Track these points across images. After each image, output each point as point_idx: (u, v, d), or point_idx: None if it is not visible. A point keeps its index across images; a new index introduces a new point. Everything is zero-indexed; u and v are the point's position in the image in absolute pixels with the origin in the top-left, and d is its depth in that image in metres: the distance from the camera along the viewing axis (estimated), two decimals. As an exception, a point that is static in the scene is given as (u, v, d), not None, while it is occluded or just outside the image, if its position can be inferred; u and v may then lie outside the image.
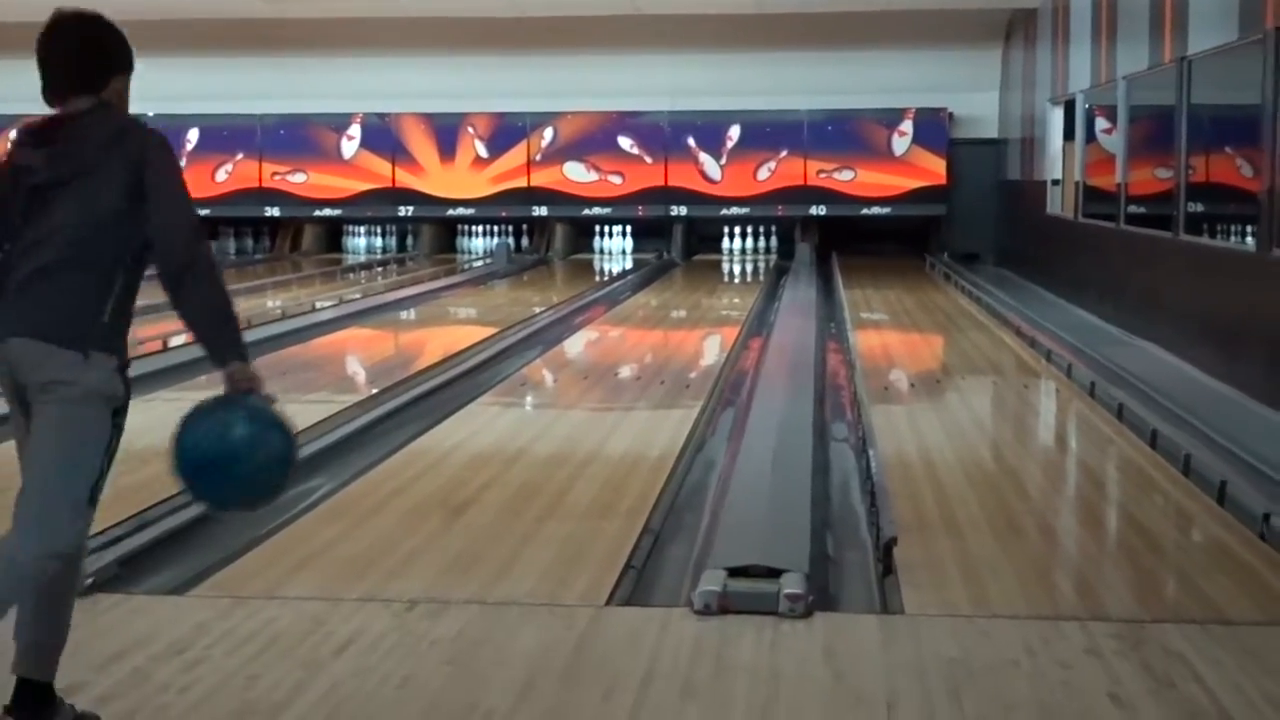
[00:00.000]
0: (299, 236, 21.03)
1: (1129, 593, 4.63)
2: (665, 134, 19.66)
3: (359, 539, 5.15)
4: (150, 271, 3.30)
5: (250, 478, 3.24)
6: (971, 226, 19.01)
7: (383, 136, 20.09)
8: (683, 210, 19.77)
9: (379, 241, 21.19)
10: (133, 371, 3.32)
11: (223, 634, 4.01)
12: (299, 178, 20.03)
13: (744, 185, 19.58)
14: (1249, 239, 8.59)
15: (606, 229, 20.50)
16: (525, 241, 20.76)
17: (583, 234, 20.60)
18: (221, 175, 19.77)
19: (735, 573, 4.36)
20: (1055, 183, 15.19)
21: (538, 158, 19.85)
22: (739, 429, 7.41)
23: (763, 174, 19.53)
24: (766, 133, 19.45)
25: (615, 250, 20.45)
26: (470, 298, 15.39)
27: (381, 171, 20.09)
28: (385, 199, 20.13)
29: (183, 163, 3.44)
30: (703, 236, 20.37)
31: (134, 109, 3.43)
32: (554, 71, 19.36)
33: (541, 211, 20.02)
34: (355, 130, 20.11)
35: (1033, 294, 14.37)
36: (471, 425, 7.50)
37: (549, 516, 5.48)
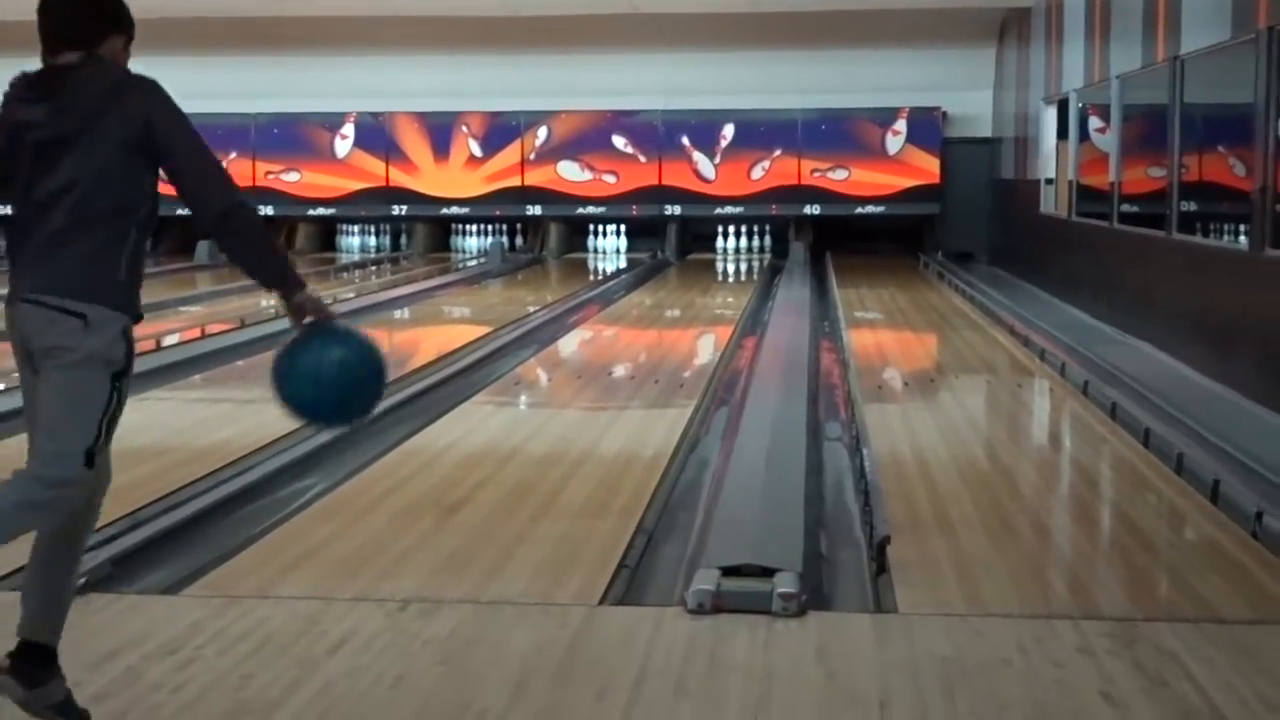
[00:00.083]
0: (293, 235, 21.00)
1: (1122, 591, 4.63)
2: (659, 133, 19.66)
3: (352, 538, 5.15)
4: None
5: (357, 390, 3.40)
6: (965, 225, 19.03)
7: (376, 135, 20.08)
8: (677, 209, 19.78)
9: (373, 240, 21.18)
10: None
11: (216, 633, 4.01)
12: (292, 177, 20.02)
13: (738, 184, 19.58)
14: (1242, 238, 8.60)
15: (600, 228, 20.50)
16: (519, 240, 20.76)
17: (577, 233, 20.60)
18: (215, 174, 19.72)
19: (729, 572, 4.37)
20: (1049, 182, 15.20)
21: (532, 157, 19.85)
22: (733, 428, 7.41)
23: (757, 173, 19.54)
24: (760, 132, 19.45)
25: (609, 249, 20.45)
26: (464, 297, 15.39)
27: (375, 170, 20.08)
28: (379, 198, 20.12)
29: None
30: (697, 236, 20.37)
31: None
32: (548, 70, 19.36)
33: (535, 210, 20.01)
34: (349, 129, 20.10)
35: (1026, 293, 14.38)
36: (465, 424, 7.50)
37: (542, 516, 5.48)
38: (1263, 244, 7.99)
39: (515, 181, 19.91)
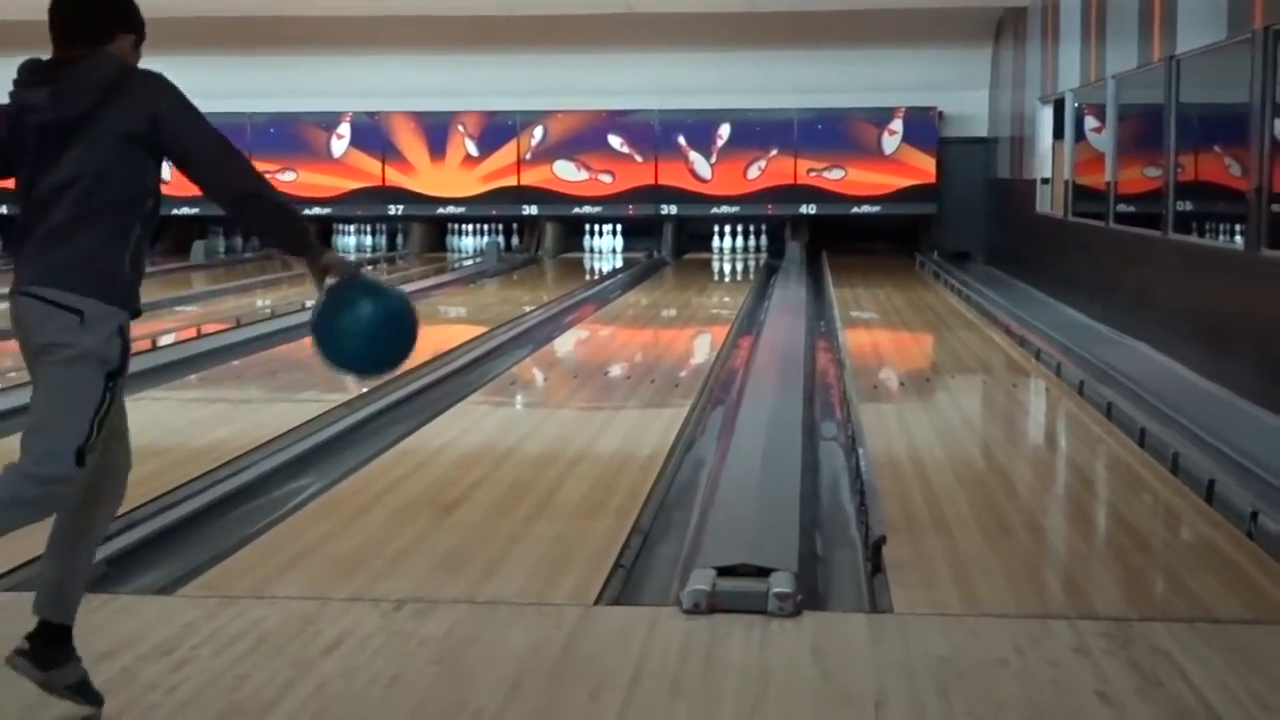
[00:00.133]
0: (289, 235, 20.99)
1: (1117, 591, 4.64)
2: (655, 133, 19.66)
3: (348, 538, 5.15)
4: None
5: (393, 341, 3.57)
6: (961, 225, 19.04)
7: (373, 135, 20.07)
8: (673, 209, 19.77)
9: (369, 240, 21.17)
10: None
11: (211, 634, 4.00)
12: (289, 176, 20.00)
13: (734, 184, 19.58)
14: (1238, 238, 8.61)
15: (596, 228, 20.50)
16: (515, 240, 20.76)
17: (573, 233, 20.59)
18: (211, 174, 19.72)
19: (724, 572, 4.36)
20: (1045, 181, 15.21)
21: (528, 156, 19.84)
22: (729, 428, 7.41)
23: (753, 173, 19.54)
24: (756, 131, 19.45)
25: (605, 249, 20.45)
26: (460, 296, 15.39)
27: (371, 170, 20.07)
28: (375, 198, 20.10)
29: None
30: (693, 235, 20.37)
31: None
32: (544, 70, 19.35)
33: (531, 210, 20.01)
34: (345, 129, 20.09)
35: (1022, 293, 14.38)
36: (461, 424, 7.50)
37: (538, 515, 5.48)
38: (1259, 244, 8.00)
39: (511, 181, 19.91)
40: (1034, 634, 4.03)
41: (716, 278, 18.20)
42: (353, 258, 20.30)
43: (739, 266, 19.29)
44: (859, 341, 10.87)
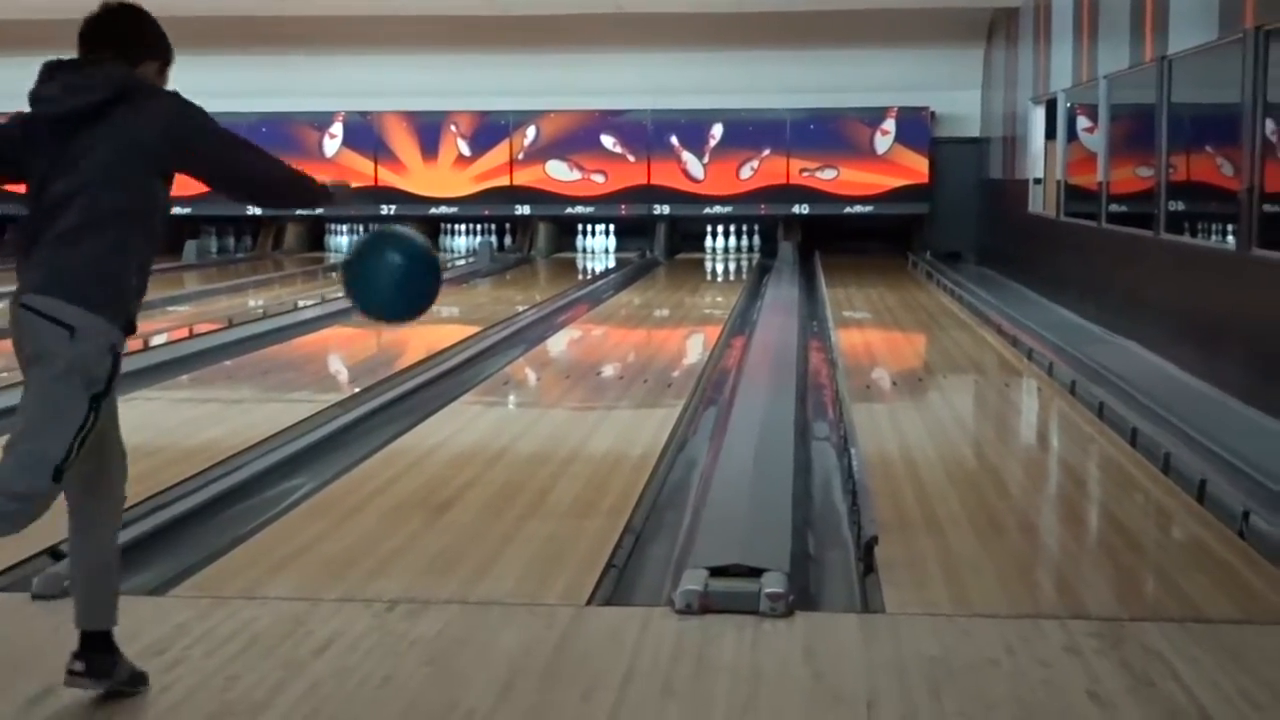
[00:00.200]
0: (281, 235, 20.99)
1: (1109, 591, 4.64)
2: (648, 133, 19.67)
3: (340, 538, 5.14)
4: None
5: (420, 289, 3.69)
6: (954, 225, 19.06)
7: (365, 135, 20.06)
8: (665, 209, 19.78)
9: (361, 240, 21.12)
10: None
11: (202, 634, 4.00)
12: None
13: (727, 184, 19.59)
14: (1229, 238, 8.62)
15: (589, 228, 20.49)
16: (508, 240, 20.75)
17: (565, 232, 20.59)
18: (203, 173, 19.70)
19: (716, 572, 4.37)
20: (1037, 181, 15.22)
21: (520, 156, 19.84)
22: (721, 428, 7.41)
23: (745, 173, 19.55)
24: (749, 131, 19.46)
25: (598, 249, 20.45)
26: (453, 296, 15.37)
27: (364, 170, 20.05)
28: (367, 198, 20.07)
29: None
30: (685, 235, 20.38)
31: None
32: (536, 70, 19.34)
33: (524, 210, 20.01)
34: (337, 128, 20.08)
35: (1014, 292, 14.40)
36: (453, 424, 7.50)
37: (530, 515, 5.48)
38: (1250, 244, 8.01)
39: (504, 181, 19.90)
40: (1025, 634, 4.03)
41: (709, 278, 18.20)
42: (344, 254, 20.30)
43: (732, 266, 19.29)
44: (851, 341, 10.87)
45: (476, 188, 19.93)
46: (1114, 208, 11.61)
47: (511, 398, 8.81)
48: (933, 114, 19.35)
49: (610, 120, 19.71)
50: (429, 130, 19.96)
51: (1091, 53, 12.34)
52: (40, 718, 3.42)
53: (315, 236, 21.13)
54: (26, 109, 3.40)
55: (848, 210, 19.45)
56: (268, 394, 8.53)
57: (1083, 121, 13.00)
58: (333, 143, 20.08)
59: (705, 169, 19.63)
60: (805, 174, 19.42)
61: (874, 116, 19.30)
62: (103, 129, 3.32)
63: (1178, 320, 9.43)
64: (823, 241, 19.49)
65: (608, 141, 19.73)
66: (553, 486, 5.98)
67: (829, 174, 19.39)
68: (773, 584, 4.27)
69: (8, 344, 3.44)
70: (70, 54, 3.42)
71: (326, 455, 6.77)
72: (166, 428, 7.17)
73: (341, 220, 20.86)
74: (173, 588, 4.56)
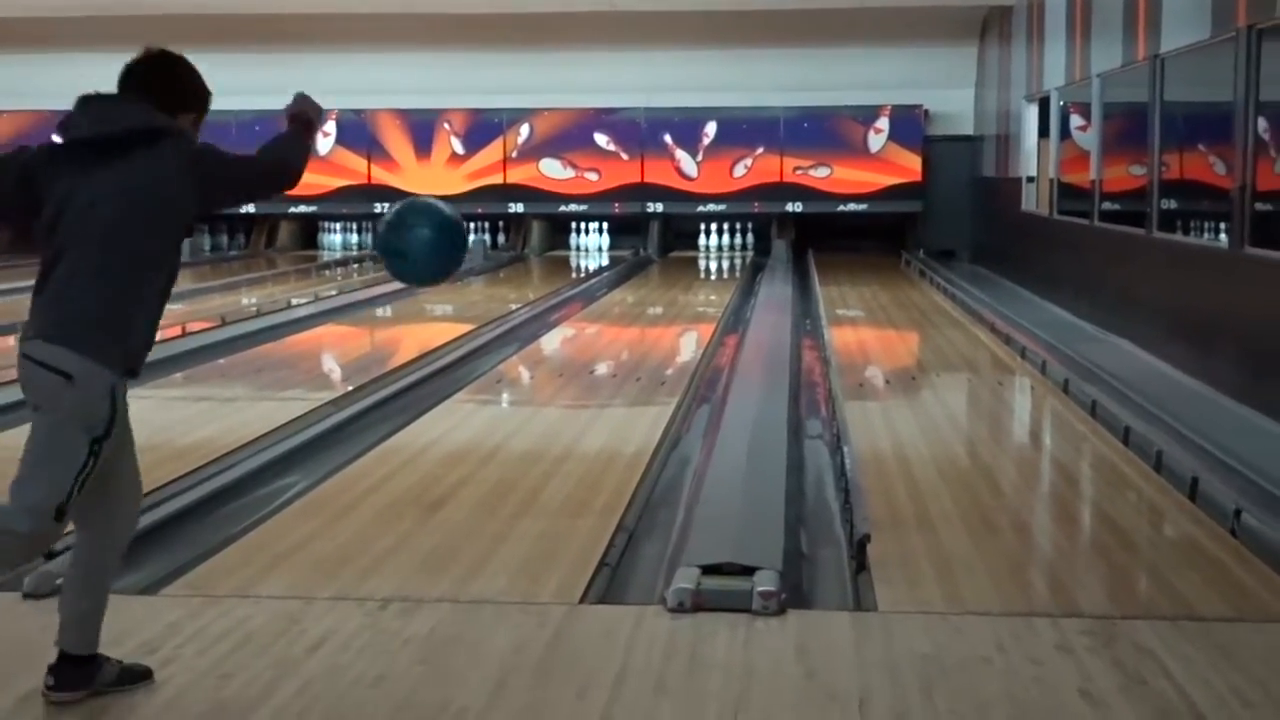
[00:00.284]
0: (274, 233, 20.96)
1: (1101, 589, 4.65)
2: (642, 131, 19.67)
3: (333, 537, 5.14)
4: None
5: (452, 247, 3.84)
6: (947, 223, 19.07)
7: (358, 133, 20.04)
8: (659, 207, 19.78)
9: (355, 238, 21.14)
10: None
11: (195, 633, 4.00)
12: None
13: (720, 182, 19.59)
14: (1222, 236, 8.63)
15: (583, 225, 20.49)
16: (501, 238, 20.74)
17: (559, 231, 20.59)
18: (196, 172, 19.69)
19: (709, 570, 4.37)
20: (1030, 180, 15.24)
21: (514, 154, 19.83)
22: (714, 426, 7.41)
23: (739, 171, 19.55)
24: (743, 130, 19.47)
25: (591, 247, 20.45)
26: (446, 294, 15.36)
27: (357, 168, 20.05)
28: (361, 195, 20.07)
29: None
30: (679, 233, 20.38)
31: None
32: (530, 68, 19.34)
33: (518, 208, 20.00)
34: (330, 127, 20.04)
35: (1008, 291, 14.41)
36: (447, 422, 7.50)
37: (523, 514, 5.48)
38: (1242, 242, 8.02)
39: (497, 179, 19.90)
40: (1017, 632, 4.04)
41: (702, 276, 18.20)
42: (339, 255, 20.30)
43: (725, 264, 19.29)
44: (844, 339, 10.88)
45: (470, 186, 19.92)
46: (1107, 206, 11.62)
47: (505, 396, 8.81)
48: (926, 112, 19.36)
49: (604, 118, 19.71)
50: (422, 128, 19.95)
51: (1085, 51, 12.35)
52: (32, 715, 3.42)
53: (309, 234, 21.11)
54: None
55: (841, 208, 19.46)
56: (261, 392, 8.53)
57: (1076, 120, 13.02)
58: (326, 141, 20.05)
59: (699, 167, 19.63)
60: (799, 172, 19.43)
61: (868, 115, 19.30)
62: (122, 167, 3.34)
63: (1170, 318, 9.44)
64: (816, 240, 19.50)
65: (601, 139, 19.73)
66: (546, 485, 5.98)
67: (822, 172, 19.39)
68: (765, 582, 4.27)
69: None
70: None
71: (319, 453, 6.77)
72: (159, 426, 7.16)
73: (335, 219, 20.84)
74: (165, 586, 4.56)
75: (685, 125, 19.57)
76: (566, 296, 14.67)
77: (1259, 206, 7.95)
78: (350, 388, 8.54)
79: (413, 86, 19.55)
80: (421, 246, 3.78)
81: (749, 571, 4.37)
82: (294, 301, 13.83)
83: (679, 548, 4.91)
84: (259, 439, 6.84)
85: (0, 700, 3.49)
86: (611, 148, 19.70)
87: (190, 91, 3.54)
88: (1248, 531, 5.15)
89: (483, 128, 19.85)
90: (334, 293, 14.65)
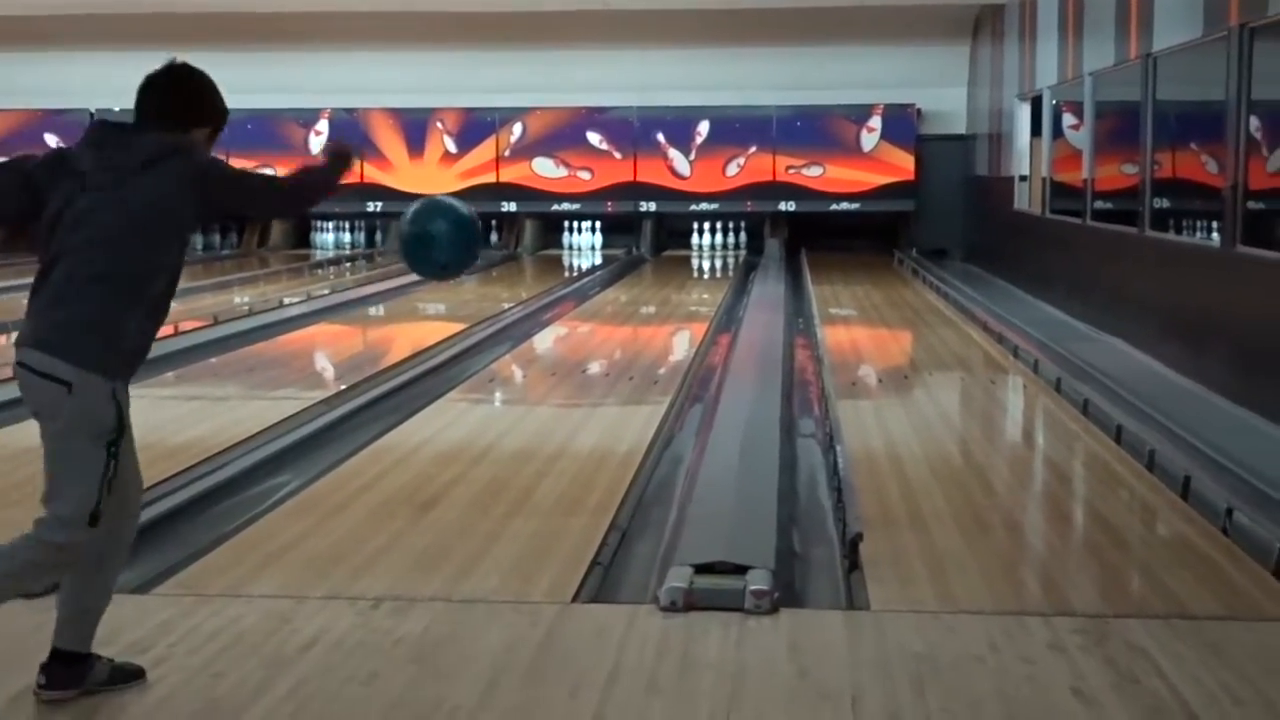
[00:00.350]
0: (266, 232, 20.94)
1: (1093, 588, 4.65)
2: (634, 129, 19.66)
3: (325, 536, 5.14)
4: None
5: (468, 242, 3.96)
6: (940, 222, 19.08)
7: (351, 131, 19.98)
8: (652, 206, 19.78)
9: (347, 237, 21.13)
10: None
11: (186, 632, 3.99)
12: (266, 173, 19.93)
13: (713, 181, 19.60)
14: (1214, 235, 8.64)
15: (575, 224, 20.49)
16: (494, 237, 20.73)
17: (552, 229, 20.59)
18: (189, 170, 19.68)
19: (701, 569, 4.37)
20: (1023, 178, 15.25)
21: (506, 153, 19.83)
22: (707, 425, 7.41)
23: (732, 170, 19.55)
24: (735, 128, 19.47)
25: (584, 246, 20.45)
26: (439, 293, 15.35)
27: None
28: (353, 194, 20.00)
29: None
30: (672, 232, 20.39)
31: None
32: (523, 66, 19.34)
33: (510, 207, 20.00)
34: (323, 125, 20.05)
35: (1000, 289, 14.42)
36: (439, 421, 7.49)
37: (516, 513, 5.48)
38: (1234, 241, 8.03)
39: (490, 178, 19.89)
40: (1010, 631, 4.04)
41: (695, 274, 18.20)
42: (331, 254, 20.28)
43: (718, 263, 19.30)
44: (837, 338, 10.88)
45: (462, 184, 19.89)
46: (1099, 205, 11.64)
47: (497, 395, 8.81)
48: (919, 111, 19.37)
49: (596, 117, 19.71)
50: (415, 127, 19.94)
51: (1077, 50, 12.36)
52: (25, 714, 3.41)
53: (301, 233, 21.09)
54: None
55: (834, 207, 19.47)
56: (253, 391, 8.51)
57: (1068, 118, 13.03)
58: (319, 140, 20.04)
59: (691, 166, 19.64)
60: (791, 171, 19.43)
61: (860, 114, 19.31)
62: (121, 192, 3.35)
63: (1162, 317, 9.45)
64: (809, 238, 19.51)
65: (594, 138, 19.72)
66: (538, 484, 5.97)
67: (815, 171, 19.40)
68: (757, 581, 4.27)
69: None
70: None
71: (312, 452, 6.77)
72: (151, 425, 7.13)
73: (328, 218, 20.83)
74: (157, 585, 4.55)
75: (678, 124, 19.57)
76: (559, 295, 14.67)
77: (1251, 205, 7.96)
78: (342, 386, 8.54)
79: (405, 85, 19.55)
80: (447, 234, 3.91)
81: (741, 570, 4.36)
82: (286, 300, 13.81)
83: (671, 546, 4.91)
84: (251, 438, 6.83)
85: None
86: (604, 146, 19.70)
87: (207, 108, 3.55)
88: (1239, 530, 5.16)
89: (475, 126, 19.85)
90: (326, 291, 14.63)
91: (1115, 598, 4.53)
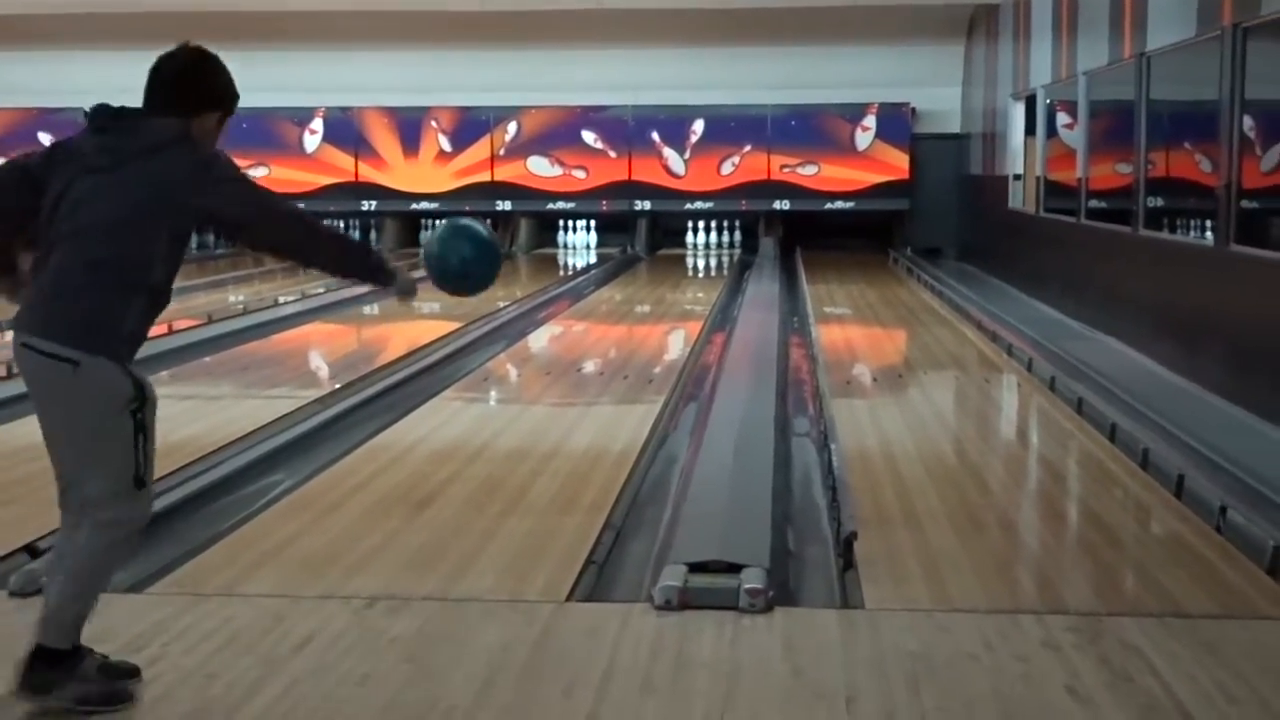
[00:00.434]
0: (261, 231, 20.92)
1: (1087, 586, 4.66)
2: (629, 128, 19.66)
3: (319, 535, 5.13)
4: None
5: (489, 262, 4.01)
6: (934, 221, 19.09)
7: (345, 130, 20.01)
8: (647, 205, 19.78)
9: (342, 236, 21.10)
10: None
11: (181, 631, 3.99)
12: (261, 172, 19.90)
13: (708, 180, 19.60)
14: (1208, 234, 8.65)
15: (570, 223, 20.49)
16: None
17: (546, 228, 20.58)
18: (183, 169, 19.66)
19: (696, 568, 4.37)
20: (1017, 177, 15.26)
21: (501, 152, 19.82)
22: (701, 423, 7.41)
23: (726, 168, 19.55)
24: (730, 127, 19.47)
25: (579, 245, 20.45)
26: (433, 292, 15.29)
27: (344, 165, 20.02)
28: (348, 193, 20.05)
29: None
30: (667, 231, 20.39)
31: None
32: (517, 65, 19.32)
33: (505, 206, 19.99)
34: (318, 124, 20.03)
35: (994, 288, 14.43)
36: (434, 420, 7.49)
37: (511, 512, 5.48)
38: (1228, 239, 8.04)
39: (485, 177, 19.88)
40: (1004, 629, 4.04)
41: (690, 273, 18.20)
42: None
43: (713, 262, 19.30)
44: (832, 337, 10.89)
45: (457, 183, 19.90)
46: (1093, 204, 11.64)
47: (492, 394, 8.81)
48: (913, 110, 19.37)
49: (591, 116, 19.70)
50: (410, 126, 19.93)
51: (1071, 49, 12.36)
52: (17, 713, 3.41)
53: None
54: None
55: (828, 206, 19.47)
56: (247, 390, 8.51)
57: (1062, 118, 13.04)
58: (313, 138, 20.03)
59: (686, 165, 19.63)
60: (786, 170, 19.43)
61: (855, 112, 19.31)
62: (120, 178, 3.33)
63: (1156, 316, 9.46)
64: (803, 237, 19.51)
65: (589, 137, 19.72)
66: (533, 482, 5.97)
67: (810, 170, 19.40)
68: (752, 580, 4.27)
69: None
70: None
71: (306, 451, 6.76)
72: (145, 424, 7.14)
73: (321, 217, 20.71)
74: (151, 585, 4.54)
75: (672, 123, 19.57)
76: (554, 294, 14.67)
77: (1245, 204, 7.97)
78: (337, 385, 8.53)
79: (400, 84, 19.53)
80: (479, 250, 3.96)
81: (736, 569, 4.37)
82: (281, 299, 13.80)
83: (666, 545, 4.91)
84: (245, 437, 6.83)
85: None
86: (599, 145, 19.70)
87: (215, 92, 3.52)
88: (1233, 528, 5.16)
89: (470, 125, 19.84)
90: (321, 290, 14.61)
91: (1109, 596, 4.54)
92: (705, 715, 3.46)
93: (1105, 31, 11.02)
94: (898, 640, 3.95)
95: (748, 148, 19.46)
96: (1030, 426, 8.09)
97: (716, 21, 18.42)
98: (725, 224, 20.29)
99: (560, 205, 19.93)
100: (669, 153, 19.62)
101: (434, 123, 19.91)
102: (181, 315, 11.80)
